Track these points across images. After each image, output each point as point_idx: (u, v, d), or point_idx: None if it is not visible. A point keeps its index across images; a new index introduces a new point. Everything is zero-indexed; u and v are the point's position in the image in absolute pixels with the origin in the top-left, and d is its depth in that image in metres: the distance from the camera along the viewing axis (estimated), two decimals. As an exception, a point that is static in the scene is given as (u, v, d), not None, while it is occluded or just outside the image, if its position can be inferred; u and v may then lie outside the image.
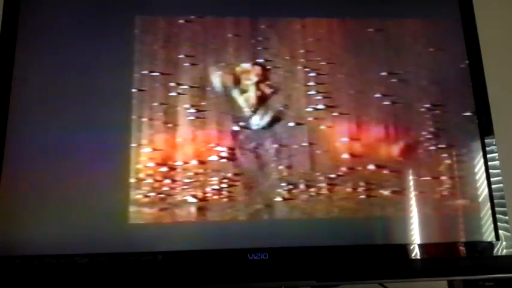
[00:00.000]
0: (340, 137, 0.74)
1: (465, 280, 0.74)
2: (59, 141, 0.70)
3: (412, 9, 0.82)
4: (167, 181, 0.70)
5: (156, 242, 0.68)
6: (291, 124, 0.74)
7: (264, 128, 0.74)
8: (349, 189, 0.72)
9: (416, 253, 0.71)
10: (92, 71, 0.73)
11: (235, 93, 0.74)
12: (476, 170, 0.75)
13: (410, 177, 0.74)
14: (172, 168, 0.70)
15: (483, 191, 0.74)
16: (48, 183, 0.68)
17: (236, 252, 0.68)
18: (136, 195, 0.69)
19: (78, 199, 0.68)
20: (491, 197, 0.74)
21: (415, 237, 0.72)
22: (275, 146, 0.73)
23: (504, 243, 0.73)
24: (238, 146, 0.72)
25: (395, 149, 0.75)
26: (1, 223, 0.66)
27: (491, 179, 0.75)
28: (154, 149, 0.71)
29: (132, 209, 0.69)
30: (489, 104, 0.78)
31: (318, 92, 0.76)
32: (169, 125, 0.72)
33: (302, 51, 0.77)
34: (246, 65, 0.76)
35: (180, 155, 0.71)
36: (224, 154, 0.72)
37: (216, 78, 0.74)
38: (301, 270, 0.68)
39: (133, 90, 0.73)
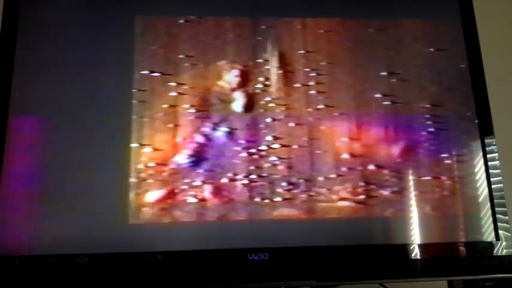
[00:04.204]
0: (340, 137, 0.75)
1: (465, 280, 0.74)
2: (58, 141, 0.70)
3: (412, 9, 0.82)
4: (167, 181, 0.70)
5: (156, 242, 0.68)
6: (291, 124, 0.74)
7: (264, 128, 0.74)
8: (349, 189, 0.72)
9: (416, 253, 0.71)
10: (91, 71, 0.73)
11: (237, 93, 0.75)
12: (476, 170, 0.75)
13: (410, 177, 0.74)
14: (172, 168, 0.70)
15: (483, 191, 0.75)
16: (49, 183, 0.68)
17: (236, 252, 0.68)
18: (136, 195, 0.69)
19: (78, 199, 0.68)
20: (491, 197, 0.74)
21: (415, 237, 0.72)
22: (275, 146, 0.73)
23: (504, 243, 0.73)
24: (238, 146, 0.72)
25: (395, 149, 0.75)
26: (1, 223, 0.66)
27: (491, 179, 0.75)
28: (155, 149, 0.71)
29: (132, 209, 0.69)
30: (489, 104, 0.78)
31: (318, 92, 0.76)
32: (170, 125, 0.72)
33: (302, 51, 0.77)
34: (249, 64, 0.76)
35: (180, 155, 0.71)
36: (224, 154, 0.72)
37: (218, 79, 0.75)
38: (301, 270, 0.68)
39: (134, 90, 0.73)
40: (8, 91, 0.70)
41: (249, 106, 0.74)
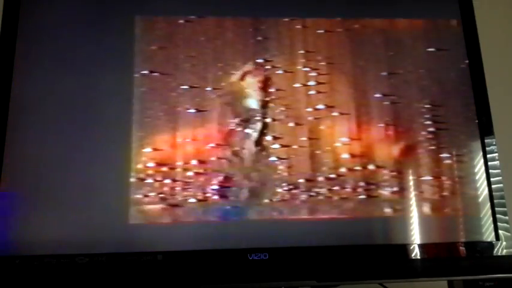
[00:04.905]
0: (340, 137, 0.75)
1: (465, 280, 0.74)
2: (58, 141, 0.70)
3: (413, 9, 0.82)
4: (167, 181, 0.70)
5: (156, 242, 0.68)
6: (291, 124, 0.74)
7: (264, 127, 0.74)
8: (349, 189, 0.72)
9: (416, 253, 0.71)
10: (92, 71, 0.73)
11: (238, 93, 0.75)
12: (476, 170, 0.75)
13: (410, 177, 0.74)
14: (172, 168, 0.71)
15: (483, 191, 0.75)
16: (49, 183, 0.68)
17: (236, 252, 0.68)
18: (136, 195, 0.69)
19: (78, 199, 0.68)
20: (491, 197, 0.74)
21: (415, 237, 0.72)
22: (275, 146, 0.73)
23: (504, 243, 0.73)
24: (238, 146, 0.72)
25: (395, 149, 0.75)
26: (1, 223, 0.66)
27: (491, 179, 0.75)
28: (155, 149, 0.71)
29: (132, 209, 0.69)
30: (489, 104, 0.78)
31: (318, 92, 0.76)
32: (170, 125, 0.72)
33: (302, 51, 0.77)
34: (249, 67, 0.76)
35: (180, 155, 0.71)
36: (224, 154, 0.72)
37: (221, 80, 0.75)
38: (301, 270, 0.68)
39: (134, 90, 0.73)
40: (8, 91, 0.70)
41: (249, 106, 0.74)
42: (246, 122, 0.74)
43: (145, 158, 0.70)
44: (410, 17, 0.81)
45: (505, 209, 0.74)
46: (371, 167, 0.74)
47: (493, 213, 0.73)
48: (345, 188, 0.72)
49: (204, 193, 0.70)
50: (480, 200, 0.74)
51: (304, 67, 0.77)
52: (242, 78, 0.75)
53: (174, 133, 0.72)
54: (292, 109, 0.75)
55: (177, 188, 0.70)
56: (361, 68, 0.78)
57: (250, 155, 0.72)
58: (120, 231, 0.68)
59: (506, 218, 0.73)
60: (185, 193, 0.70)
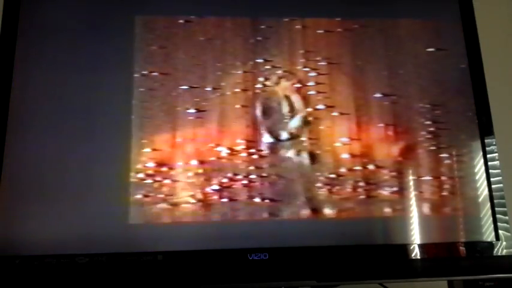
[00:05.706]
0: (340, 137, 0.75)
1: (465, 280, 0.74)
2: (58, 141, 0.70)
3: (412, 9, 0.82)
4: (167, 181, 0.70)
5: (156, 242, 0.68)
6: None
7: (263, 127, 0.74)
8: (349, 189, 0.72)
9: (416, 253, 0.71)
10: (92, 71, 0.73)
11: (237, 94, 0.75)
12: (476, 170, 0.75)
13: (410, 177, 0.74)
14: (172, 168, 0.71)
15: (483, 191, 0.75)
16: (48, 183, 0.68)
17: (236, 252, 0.68)
18: (136, 195, 0.69)
19: (78, 199, 0.68)
20: (491, 197, 0.74)
21: (415, 237, 0.72)
22: (274, 146, 0.73)
23: (504, 243, 0.73)
24: (237, 146, 0.72)
25: (395, 149, 0.75)
26: (1, 223, 0.66)
27: (491, 179, 0.75)
28: (154, 149, 0.71)
29: (132, 209, 0.69)
30: (489, 104, 0.78)
31: (318, 92, 0.76)
32: (170, 125, 0.72)
33: (302, 51, 0.77)
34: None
35: (180, 155, 0.71)
36: (224, 154, 0.72)
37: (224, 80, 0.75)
38: (301, 270, 0.68)
39: (134, 90, 0.73)
40: (8, 91, 0.70)
41: (249, 106, 0.74)
42: (246, 121, 0.73)
43: (145, 158, 0.70)
44: (410, 17, 0.81)
45: (505, 209, 0.74)
46: (371, 167, 0.74)
47: (493, 213, 0.73)
48: (344, 188, 0.72)
49: (204, 193, 0.70)
50: (480, 200, 0.74)
51: (304, 67, 0.77)
52: (242, 77, 0.75)
53: (174, 133, 0.72)
54: (291, 109, 0.75)
55: (177, 188, 0.70)
56: (361, 68, 0.78)
57: (250, 155, 0.72)
58: (120, 231, 0.68)
59: (506, 218, 0.73)
60: (185, 193, 0.70)
